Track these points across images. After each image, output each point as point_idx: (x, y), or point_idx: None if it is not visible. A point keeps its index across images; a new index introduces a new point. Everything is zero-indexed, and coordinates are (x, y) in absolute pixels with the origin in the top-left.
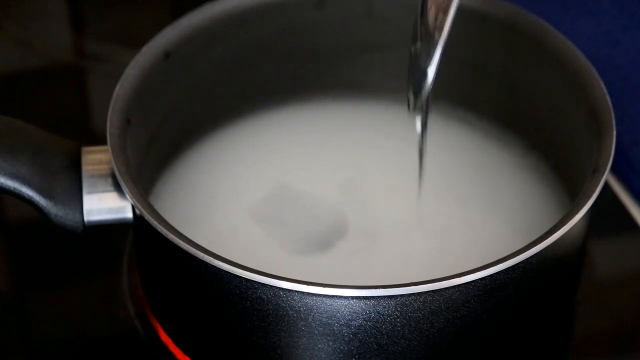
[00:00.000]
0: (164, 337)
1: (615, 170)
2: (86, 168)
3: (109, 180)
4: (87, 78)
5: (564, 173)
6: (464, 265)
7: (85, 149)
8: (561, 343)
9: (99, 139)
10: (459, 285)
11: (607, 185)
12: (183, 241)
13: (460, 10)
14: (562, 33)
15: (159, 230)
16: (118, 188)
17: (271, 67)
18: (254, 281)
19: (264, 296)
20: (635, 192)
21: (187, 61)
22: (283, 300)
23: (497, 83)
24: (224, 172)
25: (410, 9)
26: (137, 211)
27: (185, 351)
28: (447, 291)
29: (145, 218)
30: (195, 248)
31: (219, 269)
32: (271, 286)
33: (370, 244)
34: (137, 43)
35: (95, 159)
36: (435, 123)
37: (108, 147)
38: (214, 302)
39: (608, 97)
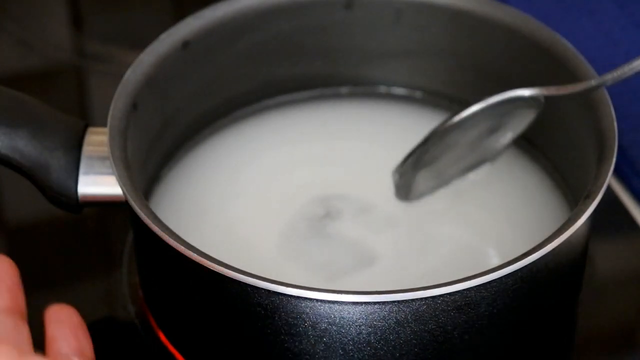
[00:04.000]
0: (164, 337)
1: (615, 170)
2: (86, 148)
3: (107, 162)
4: (87, 78)
5: (566, 176)
6: (465, 269)
7: (90, 129)
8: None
9: None
10: (425, 298)
11: (607, 186)
12: (160, 229)
13: (465, 16)
14: (562, 33)
15: (138, 214)
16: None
17: (292, 65)
18: (225, 276)
19: (232, 291)
20: (635, 192)
21: (206, 52)
22: (250, 297)
23: (496, 82)
24: (236, 167)
25: (436, 18)
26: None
27: (180, 349)
28: (413, 303)
29: (129, 202)
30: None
31: (197, 263)
32: (238, 282)
33: (370, 243)
34: (137, 43)
35: (97, 141)
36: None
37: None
38: (202, 297)
39: (611, 102)
